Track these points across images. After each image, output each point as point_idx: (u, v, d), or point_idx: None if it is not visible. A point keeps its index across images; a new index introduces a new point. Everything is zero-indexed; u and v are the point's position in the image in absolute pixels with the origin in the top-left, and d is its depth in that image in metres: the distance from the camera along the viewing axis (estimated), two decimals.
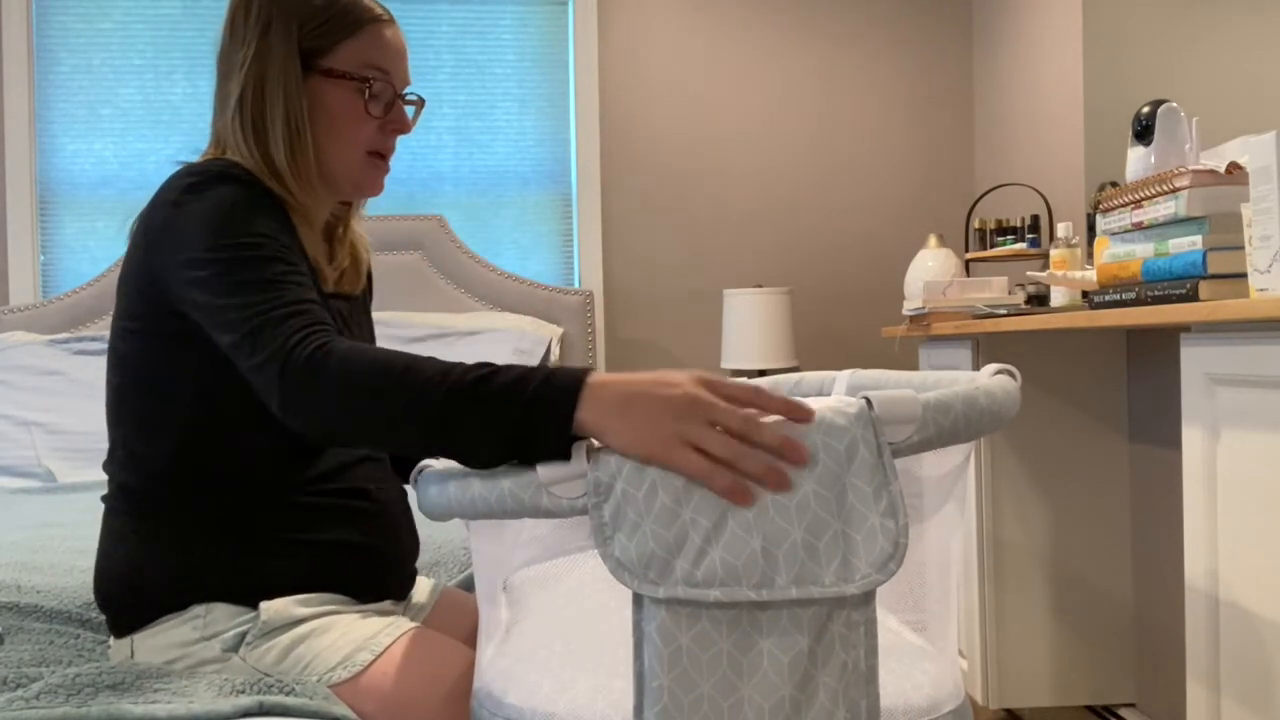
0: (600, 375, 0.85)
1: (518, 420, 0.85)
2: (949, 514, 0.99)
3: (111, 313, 3.03)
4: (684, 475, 0.80)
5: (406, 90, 1.24)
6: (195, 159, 1.17)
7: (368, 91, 1.18)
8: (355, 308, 1.29)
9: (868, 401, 0.81)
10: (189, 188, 1.08)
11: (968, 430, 0.82)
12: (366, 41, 1.18)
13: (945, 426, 0.81)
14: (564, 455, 0.83)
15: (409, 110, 1.25)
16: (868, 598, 0.82)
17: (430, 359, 0.92)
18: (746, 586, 0.80)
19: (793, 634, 0.81)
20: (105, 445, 2.76)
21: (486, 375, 0.88)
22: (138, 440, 1.14)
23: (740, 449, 0.80)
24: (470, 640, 1.27)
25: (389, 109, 1.21)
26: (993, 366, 0.94)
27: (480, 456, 0.87)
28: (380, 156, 1.22)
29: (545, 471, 0.83)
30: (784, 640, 0.81)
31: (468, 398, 0.87)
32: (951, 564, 1.01)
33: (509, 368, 0.89)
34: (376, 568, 1.21)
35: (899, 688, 0.91)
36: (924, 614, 1.05)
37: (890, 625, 1.04)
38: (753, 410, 0.81)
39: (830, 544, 0.79)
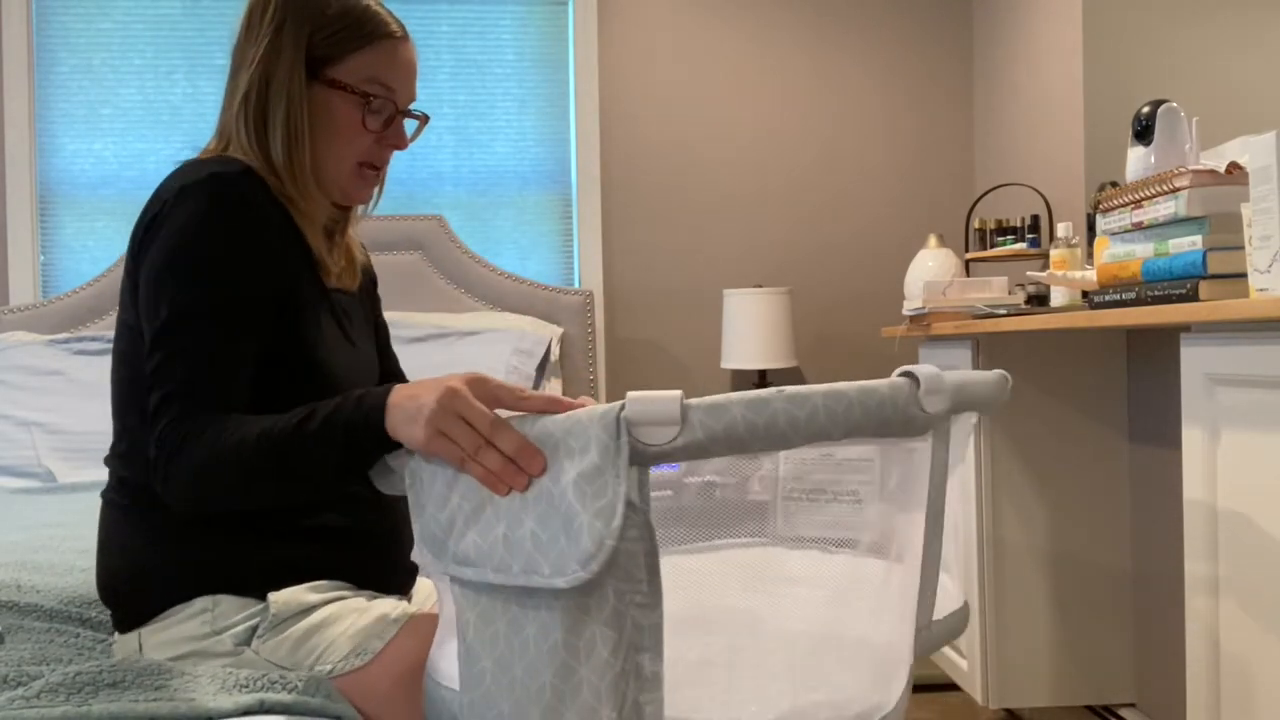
0: (403, 386, 0.95)
1: (342, 445, 0.96)
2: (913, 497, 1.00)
3: (111, 312, 3.06)
4: (447, 462, 0.89)
5: (412, 106, 1.25)
6: (198, 156, 1.18)
7: (368, 106, 1.19)
8: (353, 303, 1.31)
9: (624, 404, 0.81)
10: (179, 192, 1.10)
11: (757, 439, 0.79)
12: (375, 57, 1.19)
13: (718, 431, 0.79)
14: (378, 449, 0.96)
15: (413, 125, 1.26)
16: (651, 602, 0.81)
17: (258, 421, 1.01)
18: (489, 569, 0.85)
19: (549, 623, 0.83)
20: (105, 445, 2.75)
21: (305, 418, 0.98)
22: (139, 433, 1.15)
23: (481, 444, 0.86)
24: None
25: (388, 124, 1.22)
26: (905, 368, 0.90)
27: (326, 484, 1.00)
28: (372, 168, 1.23)
29: (390, 458, 0.96)
30: (542, 628, 0.83)
31: (292, 445, 0.98)
32: (907, 553, 1.00)
33: (325, 403, 0.99)
34: (378, 554, 1.22)
35: (793, 700, 0.88)
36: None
37: (851, 623, 0.99)
38: (500, 414, 0.88)
39: (552, 537, 0.82)
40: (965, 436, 1.13)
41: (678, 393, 0.79)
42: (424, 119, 1.26)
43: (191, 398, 1.05)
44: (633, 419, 0.79)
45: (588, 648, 0.82)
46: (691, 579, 0.92)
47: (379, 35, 1.20)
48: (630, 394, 0.80)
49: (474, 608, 0.88)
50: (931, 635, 1.07)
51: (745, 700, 0.86)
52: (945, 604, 1.11)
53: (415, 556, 0.93)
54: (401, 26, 1.23)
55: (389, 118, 1.22)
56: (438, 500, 0.90)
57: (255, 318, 1.10)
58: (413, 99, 1.25)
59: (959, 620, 1.14)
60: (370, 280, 1.41)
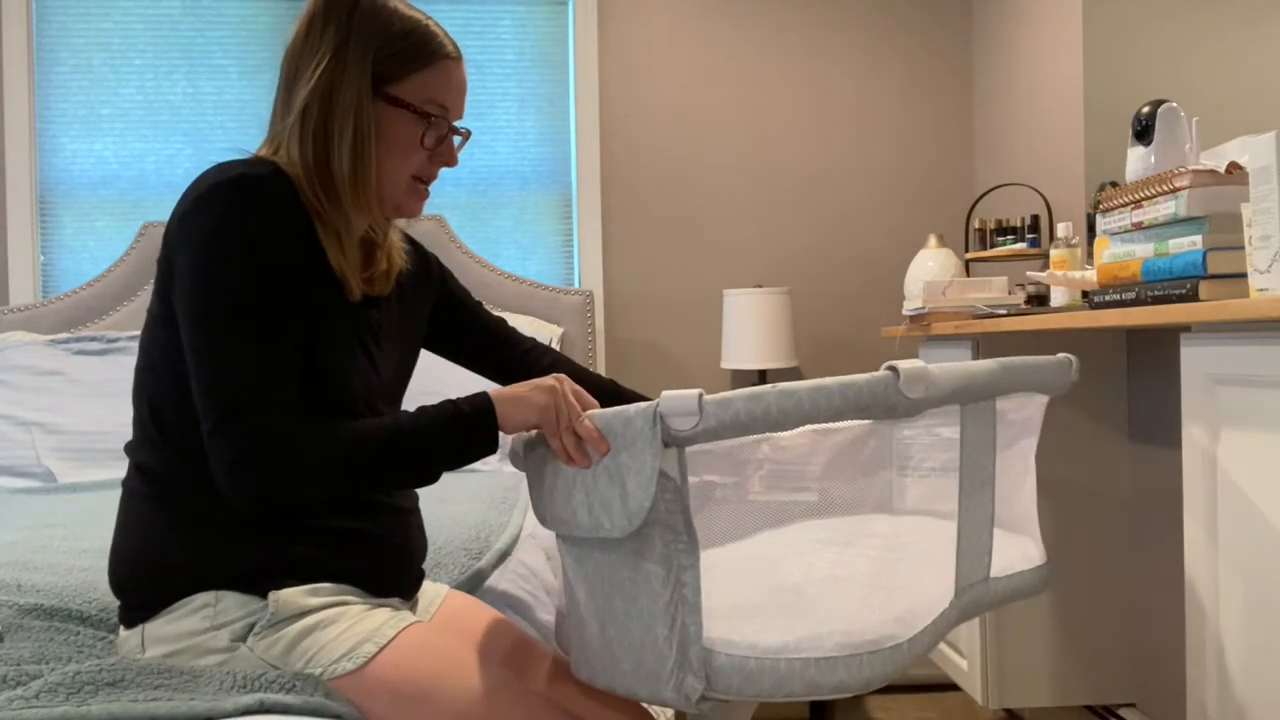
0: (496, 391, 1.17)
1: (464, 441, 1.14)
2: (1023, 448, 1.38)
3: (111, 312, 3.06)
4: (547, 438, 1.15)
5: (458, 124, 1.28)
6: (229, 156, 1.18)
7: (428, 125, 1.21)
8: (385, 315, 1.30)
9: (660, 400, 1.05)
10: (209, 189, 1.10)
11: (756, 423, 1.01)
12: (435, 77, 1.22)
13: (726, 419, 1.01)
14: (494, 449, 1.16)
15: (456, 142, 1.29)
16: (689, 548, 1.06)
17: (363, 425, 1.11)
18: (574, 525, 1.12)
19: (618, 564, 1.10)
20: (106, 445, 2.76)
21: (411, 420, 1.12)
22: (153, 423, 1.16)
23: (563, 429, 1.12)
24: (472, 642, 1.28)
25: (440, 142, 1.24)
26: (891, 362, 1.07)
27: (434, 477, 1.15)
28: (423, 182, 1.26)
29: (516, 441, 1.23)
30: (613, 567, 1.10)
31: (410, 445, 1.11)
32: (1023, 483, 1.38)
33: (424, 410, 1.14)
34: (388, 560, 1.22)
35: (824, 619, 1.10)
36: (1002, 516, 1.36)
37: (887, 573, 1.19)
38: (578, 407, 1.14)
39: (611, 500, 1.08)
40: (1028, 415, 1.39)
41: (697, 390, 1.02)
42: (467, 134, 1.29)
43: (259, 403, 1.06)
44: (664, 411, 1.03)
45: (644, 581, 1.07)
46: (778, 541, 1.23)
47: (439, 56, 1.22)
48: (664, 392, 1.03)
49: (571, 554, 1.17)
50: (991, 589, 1.31)
51: (773, 628, 1.07)
52: (1018, 563, 1.37)
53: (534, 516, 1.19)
54: (457, 48, 1.26)
55: (442, 135, 1.24)
56: (540, 475, 1.17)
57: (294, 313, 1.11)
58: (461, 117, 1.27)
59: (1032, 578, 1.38)
60: (418, 276, 1.40)
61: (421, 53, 1.21)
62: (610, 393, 1.47)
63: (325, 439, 1.08)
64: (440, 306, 1.44)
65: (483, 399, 1.15)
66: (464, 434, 1.13)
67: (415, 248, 1.41)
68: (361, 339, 1.23)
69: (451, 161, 1.27)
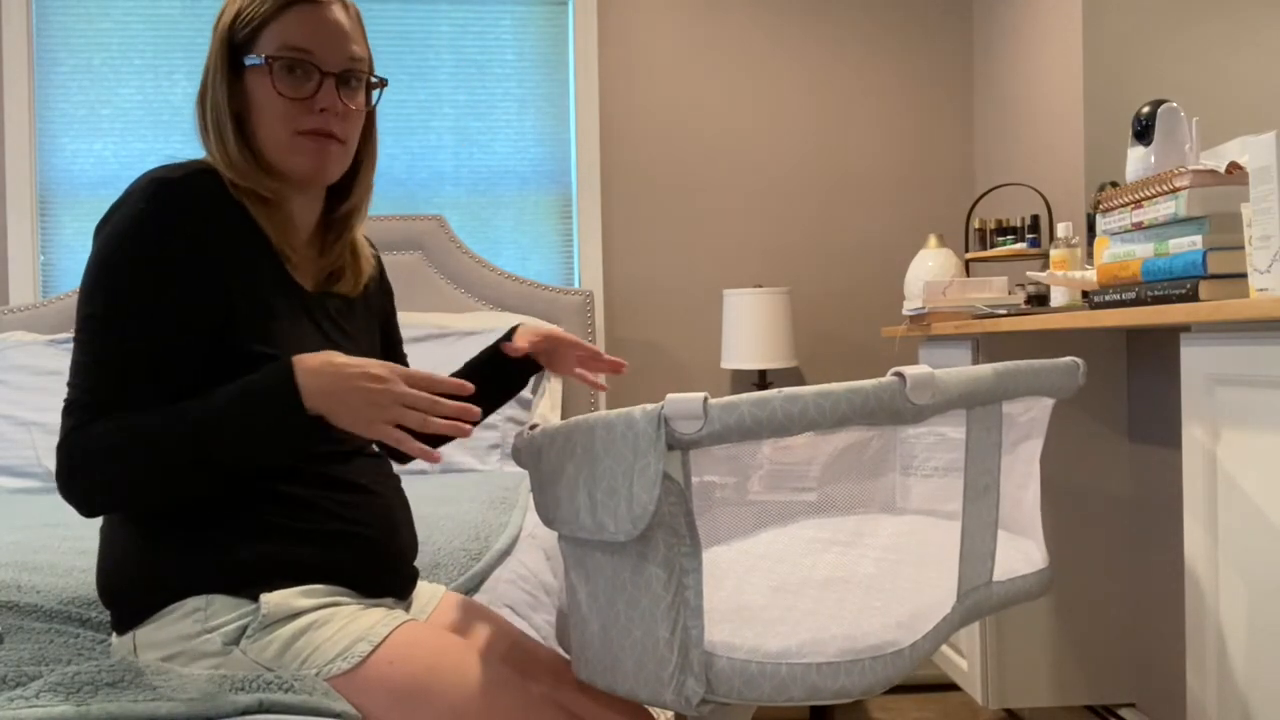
0: (305, 365, 1.06)
1: (261, 430, 1.06)
2: (1028, 450, 1.37)
3: None
4: (385, 441, 1.08)
5: (375, 74, 1.26)
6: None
7: (272, 69, 1.18)
8: (352, 310, 1.31)
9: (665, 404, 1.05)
10: (125, 194, 1.15)
11: (761, 428, 1.00)
12: (286, 23, 1.19)
13: (731, 423, 1.00)
14: (314, 432, 1.08)
15: (377, 92, 1.27)
16: (692, 551, 1.05)
17: (161, 416, 1.06)
18: (577, 527, 1.12)
19: (620, 566, 1.09)
20: None
21: (208, 411, 1.06)
22: None
23: (427, 419, 1.06)
24: (470, 640, 1.28)
25: (318, 88, 1.19)
26: (898, 368, 1.07)
27: (251, 462, 1.08)
28: (314, 136, 1.20)
29: (518, 440, 1.21)
30: (616, 569, 1.10)
31: (209, 438, 1.05)
32: (1027, 485, 1.38)
33: (221, 393, 1.07)
34: (376, 560, 1.22)
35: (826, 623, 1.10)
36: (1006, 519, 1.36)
37: (890, 576, 1.20)
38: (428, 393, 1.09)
39: (616, 504, 1.07)
40: (1033, 417, 1.39)
41: (703, 394, 1.01)
42: (382, 83, 1.26)
43: (86, 407, 1.08)
44: (669, 415, 1.01)
45: (647, 583, 1.07)
46: (779, 543, 1.22)
47: (290, 3, 1.19)
48: (668, 396, 1.01)
49: (573, 554, 1.16)
50: (994, 593, 1.30)
51: (774, 631, 1.06)
52: (1020, 566, 1.36)
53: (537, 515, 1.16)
54: None
55: (317, 81, 1.19)
56: (542, 475, 1.17)
57: (166, 321, 1.10)
58: (343, 59, 1.21)
59: (1034, 581, 1.37)
60: (379, 287, 1.42)
61: (267, 6, 1.19)
62: (487, 362, 1.48)
63: (127, 450, 1.06)
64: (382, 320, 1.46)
65: (277, 383, 1.06)
66: (267, 415, 1.06)
67: (377, 259, 1.43)
68: (314, 319, 1.24)
69: (333, 105, 1.19)
